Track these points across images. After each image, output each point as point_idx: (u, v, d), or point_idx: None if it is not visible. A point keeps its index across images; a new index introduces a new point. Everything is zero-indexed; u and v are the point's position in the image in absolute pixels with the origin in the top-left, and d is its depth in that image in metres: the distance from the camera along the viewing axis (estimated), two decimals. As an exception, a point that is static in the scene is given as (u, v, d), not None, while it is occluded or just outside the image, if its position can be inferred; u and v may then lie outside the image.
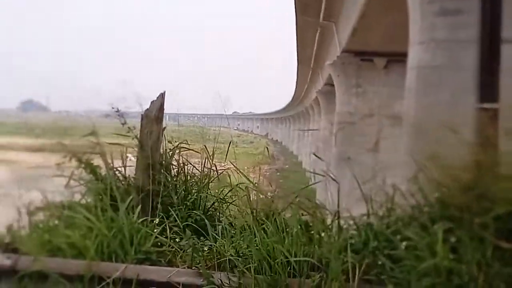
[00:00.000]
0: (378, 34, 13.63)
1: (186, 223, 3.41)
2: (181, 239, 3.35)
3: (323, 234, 2.92)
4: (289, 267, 2.72)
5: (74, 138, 4.01)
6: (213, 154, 4.16)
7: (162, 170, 3.88)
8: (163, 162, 3.95)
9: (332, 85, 19.29)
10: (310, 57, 22.72)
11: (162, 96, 4.00)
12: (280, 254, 2.72)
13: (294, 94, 44.13)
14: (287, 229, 2.88)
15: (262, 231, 2.86)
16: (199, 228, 3.40)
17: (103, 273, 2.83)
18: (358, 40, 14.21)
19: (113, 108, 4.06)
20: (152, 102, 3.99)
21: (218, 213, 3.86)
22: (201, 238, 3.41)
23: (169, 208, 3.72)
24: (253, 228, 2.90)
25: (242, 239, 2.93)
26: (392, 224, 3.05)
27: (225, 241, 2.94)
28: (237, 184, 4.15)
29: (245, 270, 2.72)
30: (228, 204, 3.93)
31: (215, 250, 2.93)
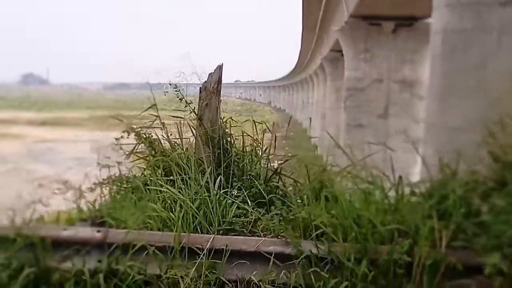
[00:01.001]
0: (388, -2, 13.48)
1: (271, 194, 3.48)
2: (253, 209, 3.43)
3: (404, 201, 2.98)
4: (375, 234, 2.79)
5: (134, 111, 4.03)
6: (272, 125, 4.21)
7: (223, 143, 3.92)
8: (223, 134, 3.98)
9: (338, 51, 19.13)
10: (315, 23, 22.45)
11: (220, 68, 3.97)
12: (368, 222, 2.80)
13: (298, 61, 43.65)
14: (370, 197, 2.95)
15: (348, 200, 2.93)
16: (282, 198, 3.48)
17: (192, 244, 2.90)
18: (367, 4, 14.04)
19: (170, 84, 4.08)
20: (209, 75, 3.98)
21: (277, 183, 3.91)
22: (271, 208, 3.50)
23: (232, 179, 3.78)
24: (338, 197, 2.96)
25: (327, 207, 2.98)
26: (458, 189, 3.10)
27: (309, 210, 2.99)
28: (293, 156, 4.22)
29: (335, 238, 2.79)
30: (287, 176, 3.97)
31: (300, 219, 2.99)
